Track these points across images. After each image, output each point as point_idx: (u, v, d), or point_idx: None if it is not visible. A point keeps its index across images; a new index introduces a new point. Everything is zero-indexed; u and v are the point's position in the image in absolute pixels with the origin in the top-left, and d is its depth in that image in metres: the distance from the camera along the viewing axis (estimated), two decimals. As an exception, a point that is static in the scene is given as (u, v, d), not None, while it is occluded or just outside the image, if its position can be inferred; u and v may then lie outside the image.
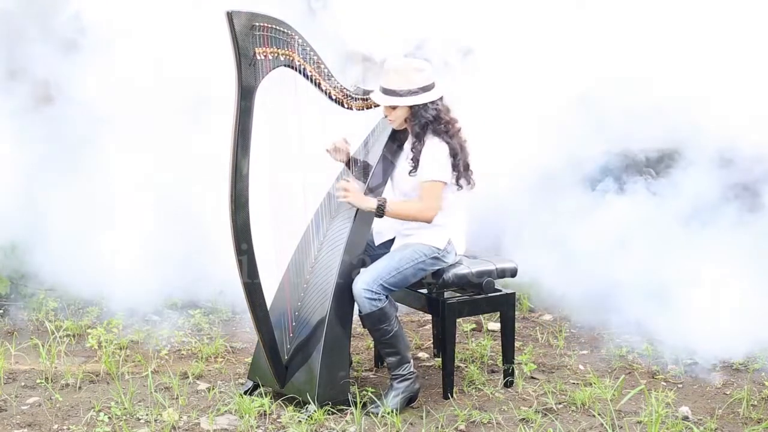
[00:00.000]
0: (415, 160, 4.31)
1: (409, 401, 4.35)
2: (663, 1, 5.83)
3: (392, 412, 4.20)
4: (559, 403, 4.40)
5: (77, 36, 6.07)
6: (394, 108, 4.31)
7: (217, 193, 4.48)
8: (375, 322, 4.25)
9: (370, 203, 4.30)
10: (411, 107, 4.29)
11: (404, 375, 4.33)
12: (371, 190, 4.39)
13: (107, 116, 6.16)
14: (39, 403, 4.42)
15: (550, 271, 5.75)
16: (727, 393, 4.58)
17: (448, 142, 4.28)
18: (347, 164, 4.58)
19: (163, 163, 5.92)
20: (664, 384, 4.69)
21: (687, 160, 6.01)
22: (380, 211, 4.29)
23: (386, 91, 4.30)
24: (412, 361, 4.39)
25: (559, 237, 5.88)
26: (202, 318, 5.51)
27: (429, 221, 4.32)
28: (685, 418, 4.24)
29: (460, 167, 4.32)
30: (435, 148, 4.28)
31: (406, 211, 4.33)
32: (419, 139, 4.30)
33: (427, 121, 4.28)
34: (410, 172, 4.35)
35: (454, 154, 4.29)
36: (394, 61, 4.31)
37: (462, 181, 4.35)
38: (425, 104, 4.28)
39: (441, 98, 4.32)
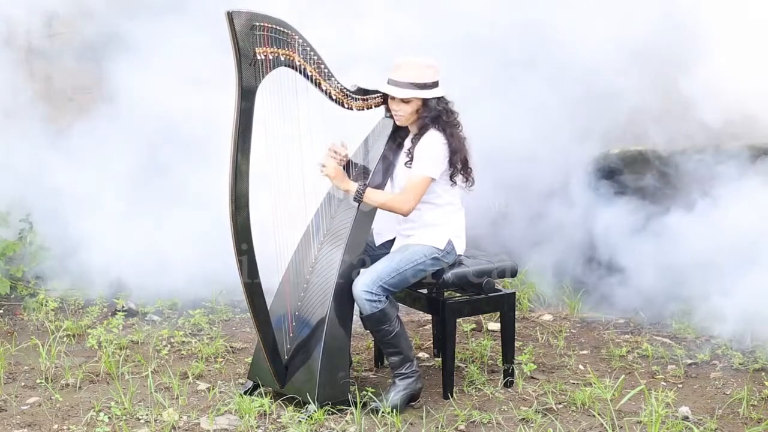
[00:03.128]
0: (412, 152, 4.33)
1: (410, 399, 4.35)
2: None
3: (393, 409, 4.20)
4: (559, 403, 4.40)
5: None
6: (406, 102, 4.32)
7: (219, 192, 4.47)
8: (376, 323, 4.25)
9: (350, 186, 4.31)
10: (423, 100, 4.30)
11: (407, 373, 4.34)
12: (371, 190, 4.39)
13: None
14: (39, 403, 4.42)
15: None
16: (727, 393, 4.58)
17: (449, 138, 4.29)
18: (345, 167, 4.58)
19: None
20: (664, 384, 4.69)
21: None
22: (358, 196, 4.29)
23: (401, 84, 4.31)
24: (415, 359, 4.39)
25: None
26: (202, 318, 5.51)
27: (405, 214, 4.32)
28: (685, 418, 4.24)
29: (458, 164, 4.33)
30: (432, 143, 4.30)
31: (383, 200, 4.32)
32: (422, 132, 4.31)
33: (438, 114, 4.30)
34: (406, 163, 4.36)
35: (453, 150, 4.30)
36: (406, 57, 4.32)
37: (457, 178, 4.36)
38: (437, 99, 4.30)
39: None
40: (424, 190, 4.30)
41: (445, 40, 5.80)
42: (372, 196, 4.31)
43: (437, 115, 4.30)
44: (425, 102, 4.31)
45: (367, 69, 4.99)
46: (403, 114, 4.36)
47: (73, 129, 6.24)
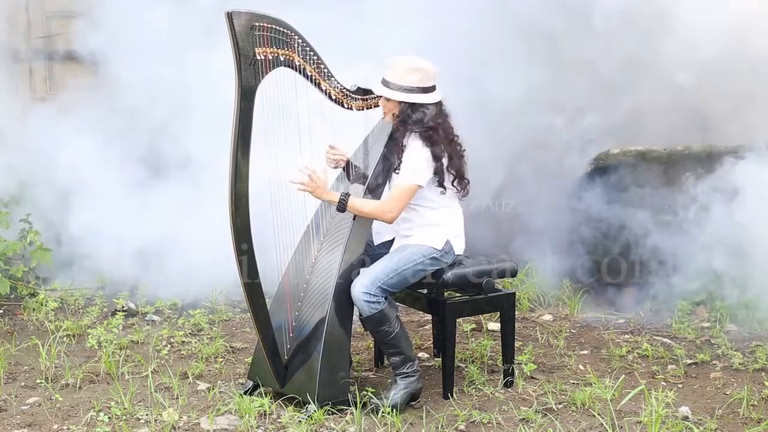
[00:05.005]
0: (398, 160, 4.33)
1: (411, 399, 4.35)
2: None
3: (393, 408, 4.20)
4: (559, 403, 4.40)
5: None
6: (388, 100, 4.32)
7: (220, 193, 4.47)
8: (375, 324, 4.25)
9: (332, 196, 4.29)
10: (400, 104, 4.29)
11: (408, 372, 4.33)
12: (371, 191, 4.38)
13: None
14: (39, 403, 4.42)
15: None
16: (727, 393, 4.58)
17: (429, 147, 4.27)
18: (345, 168, 4.58)
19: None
20: (664, 384, 4.69)
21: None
22: (341, 206, 4.28)
23: (383, 82, 4.32)
24: (416, 359, 4.38)
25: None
26: (202, 318, 5.51)
27: (389, 222, 4.32)
28: (685, 418, 4.24)
29: (443, 172, 4.31)
30: (415, 151, 4.28)
31: (367, 208, 4.30)
32: (398, 138, 4.31)
33: (408, 122, 4.27)
34: (395, 169, 4.36)
35: (435, 159, 4.28)
36: (397, 57, 4.32)
37: (447, 183, 4.34)
38: (413, 105, 4.27)
39: (439, 104, 4.32)
40: (409, 197, 4.28)
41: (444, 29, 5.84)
42: (356, 205, 4.29)
43: (407, 122, 4.26)
44: (400, 106, 4.29)
45: (367, 69, 4.99)
46: (386, 111, 4.37)
47: (69, 127, 6.26)
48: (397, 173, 4.34)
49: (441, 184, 4.32)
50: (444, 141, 4.29)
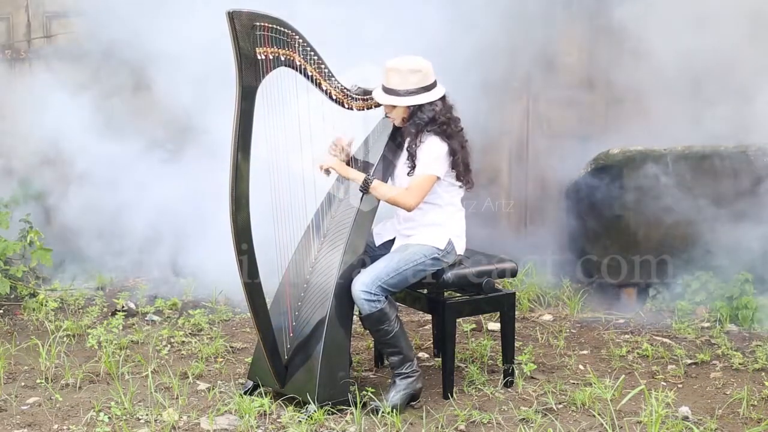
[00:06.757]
0: (412, 159, 4.32)
1: (411, 399, 4.35)
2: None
3: (393, 409, 4.20)
4: (559, 403, 4.40)
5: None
6: (393, 107, 4.32)
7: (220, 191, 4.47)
8: (375, 323, 4.25)
9: (357, 175, 4.31)
10: (409, 107, 4.29)
11: (407, 373, 4.33)
12: (372, 190, 4.39)
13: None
14: (39, 403, 4.42)
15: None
16: (727, 393, 4.58)
17: (446, 142, 4.29)
18: (347, 163, 4.58)
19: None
20: (664, 384, 4.69)
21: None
22: (365, 186, 4.29)
23: (386, 90, 4.30)
24: (415, 359, 4.39)
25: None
26: (202, 318, 5.51)
27: (409, 209, 4.31)
28: (685, 418, 4.24)
29: (460, 166, 4.33)
30: (432, 145, 4.29)
31: (391, 194, 4.31)
32: (413, 139, 4.31)
33: (423, 123, 4.28)
34: (408, 173, 4.35)
35: (452, 153, 4.30)
36: (393, 61, 4.31)
37: (462, 179, 4.36)
38: (422, 105, 4.28)
39: (443, 97, 4.33)
40: (429, 188, 4.29)
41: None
42: (379, 188, 4.31)
43: (421, 124, 4.28)
44: (410, 109, 4.30)
45: (368, 69, 4.99)
46: (394, 117, 4.37)
47: (68, 125, 6.26)
48: (411, 176, 4.33)
49: (458, 178, 4.33)
50: (455, 133, 4.31)
